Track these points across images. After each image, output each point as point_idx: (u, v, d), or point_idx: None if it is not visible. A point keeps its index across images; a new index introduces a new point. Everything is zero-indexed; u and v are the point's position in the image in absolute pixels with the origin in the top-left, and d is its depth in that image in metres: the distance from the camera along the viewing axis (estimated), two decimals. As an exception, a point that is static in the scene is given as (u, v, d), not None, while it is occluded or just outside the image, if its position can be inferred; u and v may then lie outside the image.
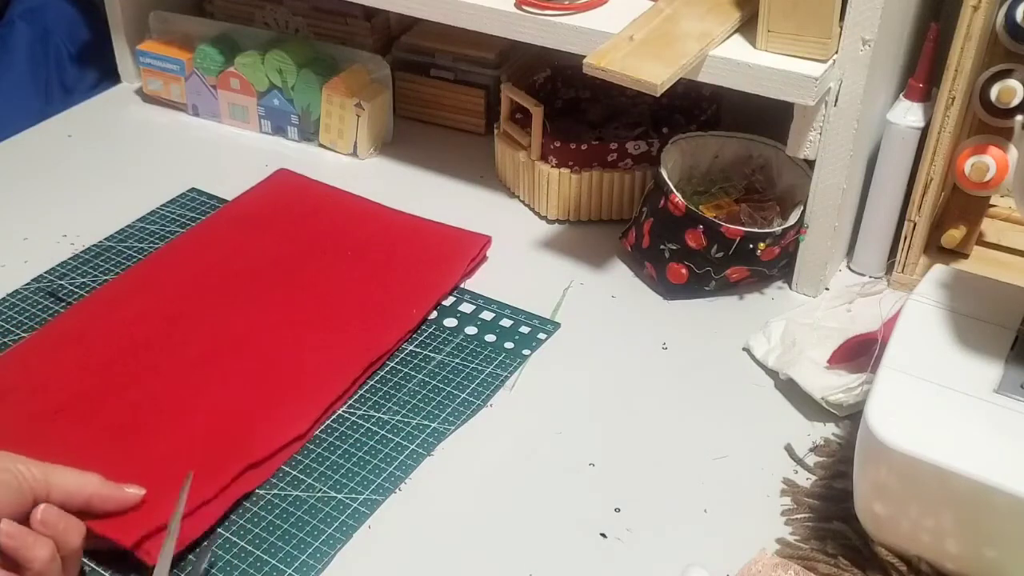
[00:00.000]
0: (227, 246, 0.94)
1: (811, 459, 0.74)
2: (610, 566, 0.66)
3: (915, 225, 0.87)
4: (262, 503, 0.70)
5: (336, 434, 0.76)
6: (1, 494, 0.61)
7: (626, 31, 0.82)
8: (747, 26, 0.84)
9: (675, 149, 0.94)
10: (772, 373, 0.81)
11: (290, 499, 0.71)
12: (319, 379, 0.78)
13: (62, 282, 0.90)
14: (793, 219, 0.87)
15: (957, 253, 0.91)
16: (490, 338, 0.85)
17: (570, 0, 0.88)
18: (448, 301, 0.89)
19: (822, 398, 0.76)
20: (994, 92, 0.79)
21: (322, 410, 0.76)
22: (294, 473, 0.72)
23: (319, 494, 0.71)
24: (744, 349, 0.84)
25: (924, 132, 0.84)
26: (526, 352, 0.83)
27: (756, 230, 0.86)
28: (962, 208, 0.89)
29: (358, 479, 0.72)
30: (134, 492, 0.67)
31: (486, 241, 0.94)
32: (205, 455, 0.71)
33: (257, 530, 0.68)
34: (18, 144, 1.12)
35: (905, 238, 0.88)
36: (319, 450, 0.74)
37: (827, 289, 0.91)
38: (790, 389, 0.79)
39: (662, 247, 0.88)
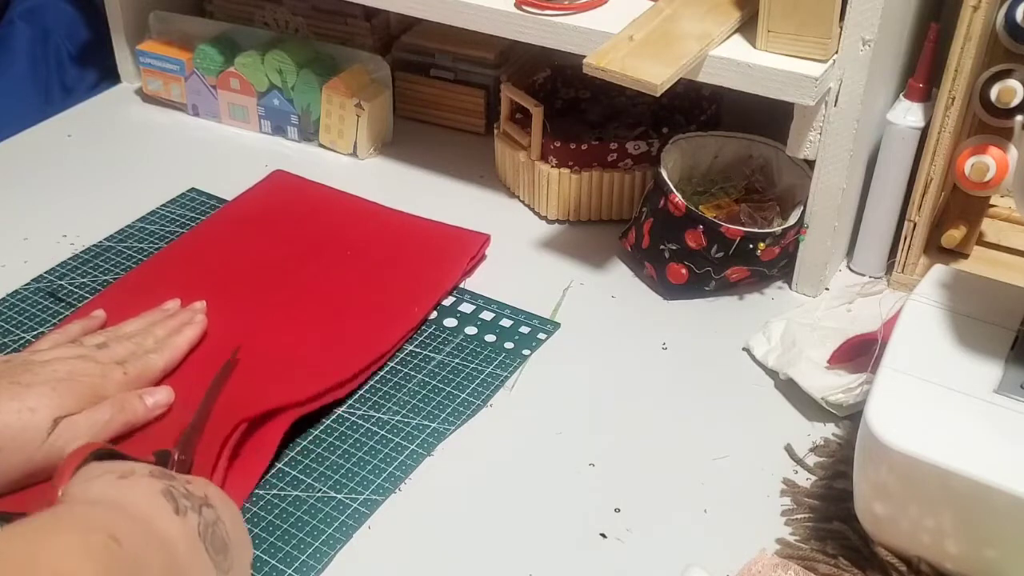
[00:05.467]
0: (227, 248, 0.94)
1: (811, 459, 0.74)
2: (610, 566, 0.66)
3: (915, 225, 0.87)
4: (262, 503, 0.70)
5: (336, 434, 0.76)
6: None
7: (626, 31, 0.82)
8: (747, 26, 0.84)
9: (675, 149, 0.94)
10: (772, 373, 0.81)
11: (290, 499, 0.71)
12: (322, 378, 0.78)
13: (62, 282, 0.90)
14: (793, 219, 0.87)
15: (957, 253, 0.91)
16: (490, 338, 0.85)
17: (570, 0, 0.88)
18: (448, 301, 0.89)
19: (822, 398, 0.76)
20: (994, 92, 0.79)
21: (321, 403, 0.76)
22: (294, 473, 0.72)
23: (319, 494, 0.71)
24: (744, 349, 0.84)
25: (924, 132, 0.84)
26: (526, 352, 0.83)
27: (756, 230, 0.86)
28: (962, 208, 0.89)
29: (358, 479, 0.72)
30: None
31: (485, 239, 0.94)
32: (207, 453, 0.71)
33: (257, 530, 0.68)
34: (18, 144, 1.12)
35: (905, 238, 0.88)
36: (319, 450, 0.74)
37: (827, 289, 0.91)
38: (790, 389, 0.79)
39: (662, 247, 0.88)
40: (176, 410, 0.75)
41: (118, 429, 0.72)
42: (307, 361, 0.79)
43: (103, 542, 0.49)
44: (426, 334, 0.85)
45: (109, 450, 0.60)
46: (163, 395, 0.75)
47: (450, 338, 0.85)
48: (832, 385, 0.77)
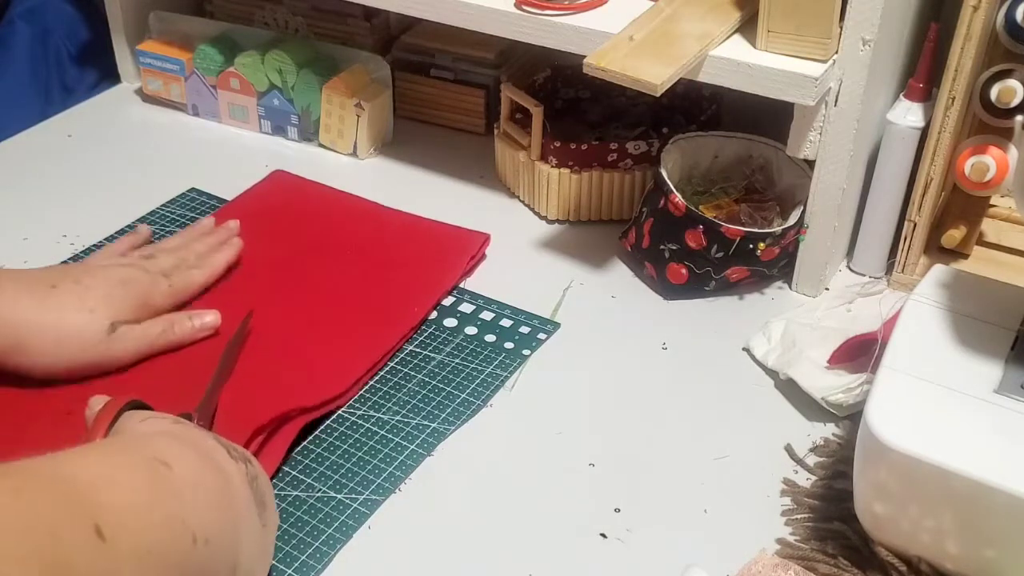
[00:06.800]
0: (227, 246, 0.94)
1: (811, 459, 0.74)
2: (610, 566, 0.66)
3: (915, 225, 0.87)
4: (262, 503, 0.70)
5: (336, 434, 0.76)
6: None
7: (626, 31, 0.82)
8: (747, 26, 0.84)
9: (675, 149, 0.94)
10: (772, 373, 0.81)
11: (290, 499, 0.71)
12: (322, 379, 0.78)
13: (62, 282, 0.90)
14: (793, 219, 0.87)
15: (957, 253, 0.91)
16: (490, 338, 0.85)
17: (570, 0, 0.88)
18: (448, 301, 0.89)
19: (822, 398, 0.76)
20: (994, 92, 0.79)
21: (326, 409, 0.76)
22: (293, 473, 0.72)
23: (319, 494, 0.71)
24: (744, 349, 0.84)
25: (924, 132, 0.84)
26: (526, 352, 0.83)
27: (756, 230, 0.86)
28: (962, 208, 0.89)
29: (358, 479, 0.72)
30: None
31: (485, 239, 0.94)
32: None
33: (257, 530, 0.68)
34: (18, 144, 1.12)
35: (905, 238, 0.88)
36: (319, 450, 0.74)
37: (827, 289, 0.91)
38: (790, 389, 0.79)
39: (662, 247, 0.88)
40: (187, 380, 0.76)
41: (164, 346, 0.79)
42: (309, 364, 0.79)
43: (153, 463, 0.52)
44: (426, 334, 0.85)
45: (140, 403, 0.62)
46: (211, 318, 0.81)
47: (450, 338, 0.85)
48: (832, 385, 0.77)
